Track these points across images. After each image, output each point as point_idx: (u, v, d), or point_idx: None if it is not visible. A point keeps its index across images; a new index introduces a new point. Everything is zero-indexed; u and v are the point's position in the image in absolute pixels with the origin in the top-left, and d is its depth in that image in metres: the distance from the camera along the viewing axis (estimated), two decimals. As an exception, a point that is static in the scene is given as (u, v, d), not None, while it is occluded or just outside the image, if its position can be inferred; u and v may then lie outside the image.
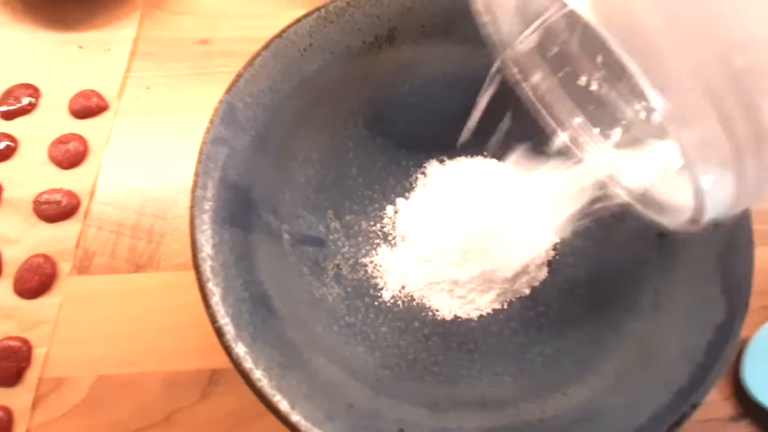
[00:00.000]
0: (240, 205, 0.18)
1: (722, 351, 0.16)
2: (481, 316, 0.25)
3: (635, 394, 0.16)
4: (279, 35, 0.20)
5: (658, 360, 0.16)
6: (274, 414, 0.15)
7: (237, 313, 0.16)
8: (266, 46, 0.19)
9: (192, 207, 0.17)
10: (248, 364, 0.15)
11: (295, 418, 0.14)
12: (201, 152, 0.17)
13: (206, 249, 0.16)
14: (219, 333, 0.15)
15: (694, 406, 0.15)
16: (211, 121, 0.18)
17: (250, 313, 0.16)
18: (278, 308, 0.17)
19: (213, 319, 0.15)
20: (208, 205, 0.17)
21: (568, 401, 0.17)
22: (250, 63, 0.19)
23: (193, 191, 0.17)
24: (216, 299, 0.15)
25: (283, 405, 0.15)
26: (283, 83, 0.20)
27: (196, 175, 0.17)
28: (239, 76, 0.19)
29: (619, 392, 0.16)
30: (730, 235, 0.17)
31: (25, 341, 0.25)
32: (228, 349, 0.15)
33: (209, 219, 0.17)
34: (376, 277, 0.25)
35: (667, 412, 0.15)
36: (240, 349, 0.15)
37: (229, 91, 0.19)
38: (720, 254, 0.17)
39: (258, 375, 0.15)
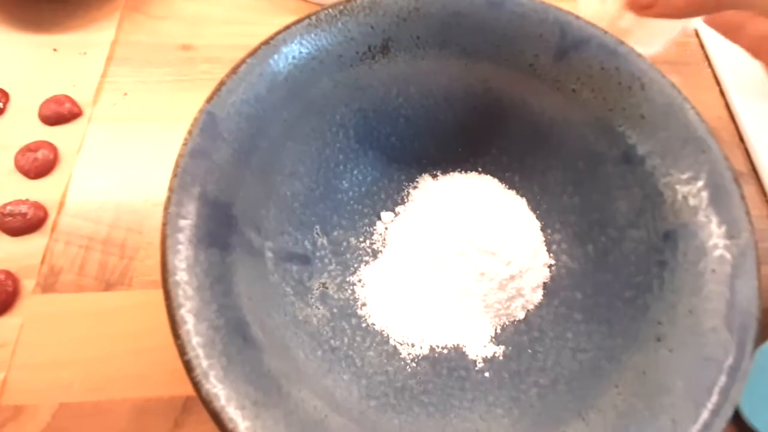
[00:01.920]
0: (219, 223, 0.17)
1: (729, 393, 0.15)
2: (473, 340, 0.23)
3: (640, 434, 0.15)
4: (266, 42, 0.19)
5: (663, 398, 0.15)
6: (248, 459, 0.13)
7: (209, 343, 0.14)
8: (252, 53, 0.18)
9: (164, 225, 0.15)
10: (219, 402, 0.13)
11: (272, 464, 0.13)
12: (177, 165, 0.16)
13: (179, 272, 0.15)
14: (188, 366, 0.14)
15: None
16: (190, 132, 0.17)
17: (224, 343, 0.14)
18: (256, 336, 0.16)
19: (182, 351, 0.14)
20: (183, 223, 0.15)
21: (567, 442, 0.16)
22: (234, 71, 0.18)
23: (167, 208, 0.15)
24: (187, 328, 0.14)
25: (259, 449, 0.13)
26: (270, 93, 0.19)
27: (171, 190, 0.16)
28: (222, 84, 0.18)
29: None
30: (735, 266, 0.17)
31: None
32: (197, 385, 0.13)
33: (184, 238, 0.15)
34: (363, 297, 0.24)
35: (676, 455, 0.14)
36: (210, 386, 0.13)
37: (210, 100, 0.17)
38: (726, 286, 0.16)
39: (230, 415, 0.13)
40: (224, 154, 0.18)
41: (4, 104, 0.30)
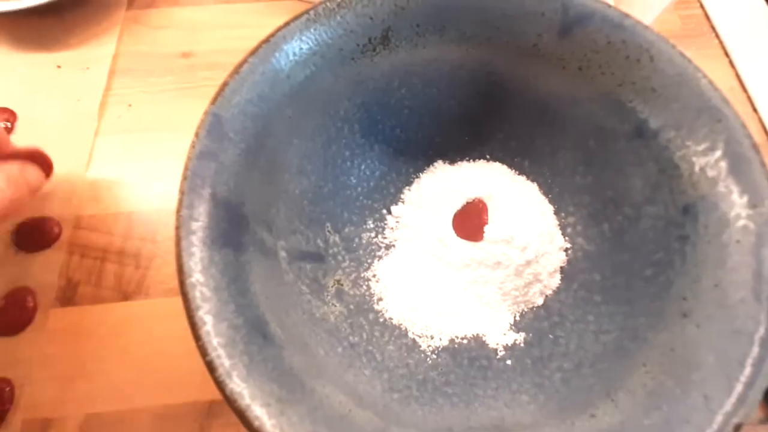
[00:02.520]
0: (231, 223, 0.17)
1: (762, 365, 0.14)
2: (492, 328, 0.23)
3: (672, 413, 0.14)
4: (267, 40, 0.18)
5: (694, 374, 0.15)
6: (276, 456, 0.13)
7: (230, 342, 0.14)
8: (253, 52, 0.18)
9: (177, 228, 0.15)
10: (244, 400, 0.13)
11: (300, 460, 0.13)
12: (186, 168, 0.16)
13: (195, 274, 0.15)
14: (210, 367, 0.14)
15: (738, 427, 0.14)
16: (197, 135, 0.17)
17: (245, 342, 0.14)
18: (276, 334, 0.16)
19: (203, 352, 0.14)
20: (195, 225, 0.15)
21: (596, 425, 0.15)
22: (236, 71, 0.18)
23: (179, 211, 0.15)
24: (207, 329, 0.14)
25: (286, 446, 0.13)
26: (273, 91, 0.19)
27: (182, 192, 0.16)
28: (225, 85, 0.18)
29: (653, 412, 0.15)
30: (760, 235, 0.16)
31: (8, 381, 0.24)
32: (220, 385, 0.13)
33: (198, 240, 0.15)
34: (379, 292, 0.24)
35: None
36: (234, 385, 0.13)
37: (214, 101, 0.17)
38: (752, 256, 0.16)
39: (255, 413, 0.13)
40: (232, 154, 0.18)
41: (12, 123, 0.30)
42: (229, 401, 0.13)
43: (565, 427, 0.15)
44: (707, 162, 0.18)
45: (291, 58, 0.19)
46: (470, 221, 0.24)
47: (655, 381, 0.16)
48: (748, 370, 0.14)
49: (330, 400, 0.15)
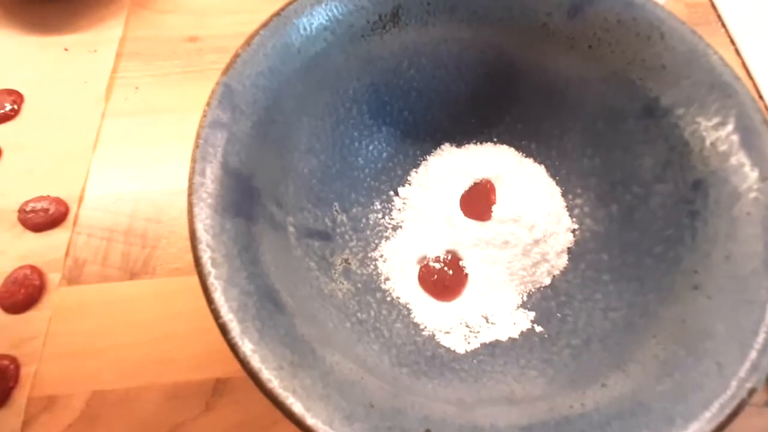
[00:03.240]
0: (242, 194, 0.17)
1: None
2: (499, 308, 0.23)
3: (684, 380, 0.14)
4: (278, 14, 0.18)
5: (706, 343, 0.15)
6: (287, 417, 0.13)
7: (242, 307, 0.14)
8: (265, 25, 0.18)
9: (190, 195, 0.15)
10: (256, 363, 0.13)
11: (311, 421, 0.13)
12: (198, 136, 0.16)
13: (207, 239, 0.15)
14: (223, 330, 0.14)
15: (752, 391, 0.14)
16: (208, 104, 0.17)
17: (257, 308, 0.14)
18: (286, 303, 0.16)
19: (216, 315, 0.14)
20: (207, 193, 0.15)
21: (608, 393, 0.15)
22: (248, 42, 0.18)
23: (191, 178, 0.15)
24: (218, 293, 0.14)
25: (297, 407, 0.13)
26: (284, 65, 0.19)
27: (194, 160, 0.16)
28: (236, 56, 0.18)
29: (665, 379, 0.15)
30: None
31: (13, 359, 0.24)
32: (234, 347, 0.13)
33: (209, 208, 0.15)
34: (386, 272, 0.24)
35: (725, 397, 0.13)
36: (247, 347, 0.13)
37: (226, 72, 0.17)
38: (762, 227, 0.16)
39: (268, 375, 0.13)
40: (243, 126, 0.18)
41: (19, 105, 0.30)
42: (243, 363, 0.13)
43: (576, 396, 0.15)
44: (718, 137, 0.18)
45: (302, 32, 0.19)
46: (478, 201, 0.24)
47: (666, 351, 0.16)
48: (761, 338, 0.14)
49: (341, 366, 0.15)
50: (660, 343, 0.16)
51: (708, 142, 0.18)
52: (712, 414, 0.13)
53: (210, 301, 0.14)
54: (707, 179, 0.18)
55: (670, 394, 0.14)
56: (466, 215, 0.24)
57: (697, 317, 0.16)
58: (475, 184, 0.25)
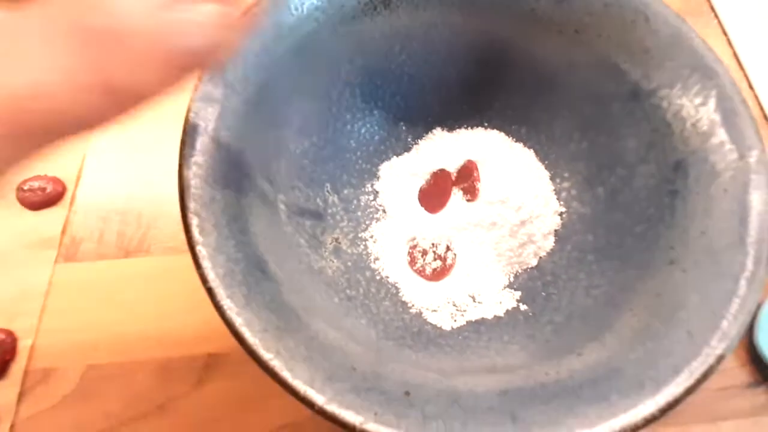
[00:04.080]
0: (232, 167, 0.17)
1: (746, 300, 0.15)
2: (486, 288, 0.24)
3: (656, 348, 0.15)
4: (269, -8, 0.19)
5: (679, 313, 0.15)
6: (270, 377, 0.13)
7: (229, 273, 0.15)
8: (257, 3, 0.18)
9: (181, 166, 0.16)
10: (242, 326, 0.14)
11: (293, 381, 0.13)
12: (189, 110, 0.16)
13: (196, 208, 0.15)
14: (210, 294, 0.14)
15: (721, 358, 0.14)
16: (199, 79, 0.17)
17: (244, 274, 0.15)
18: (274, 272, 0.16)
19: (204, 280, 0.14)
20: (197, 165, 0.16)
21: (583, 361, 0.16)
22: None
23: (182, 150, 0.16)
24: (206, 260, 0.14)
25: (280, 367, 0.13)
26: (276, 44, 0.19)
27: (185, 133, 0.16)
28: (227, 33, 0.18)
29: (637, 347, 0.15)
30: (746, 183, 0.17)
31: (9, 333, 0.24)
32: (220, 310, 0.14)
33: (199, 178, 0.16)
34: (376, 252, 0.24)
35: (694, 363, 0.14)
36: (232, 311, 0.14)
37: (217, 48, 0.18)
38: (738, 203, 0.16)
39: (252, 337, 0.14)
40: (234, 102, 0.18)
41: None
42: (229, 325, 0.14)
43: (552, 365, 0.16)
44: (699, 117, 0.18)
45: (293, 12, 0.20)
46: (463, 182, 0.25)
47: (641, 323, 0.16)
48: (733, 307, 0.14)
49: (326, 334, 0.16)
50: (635, 315, 0.16)
51: (689, 123, 0.19)
52: (682, 379, 0.14)
53: (198, 266, 0.14)
54: (687, 159, 0.18)
55: (642, 360, 0.14)
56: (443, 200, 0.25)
57: (673, 290, 0.16)
58: (460, 167, 0.25)
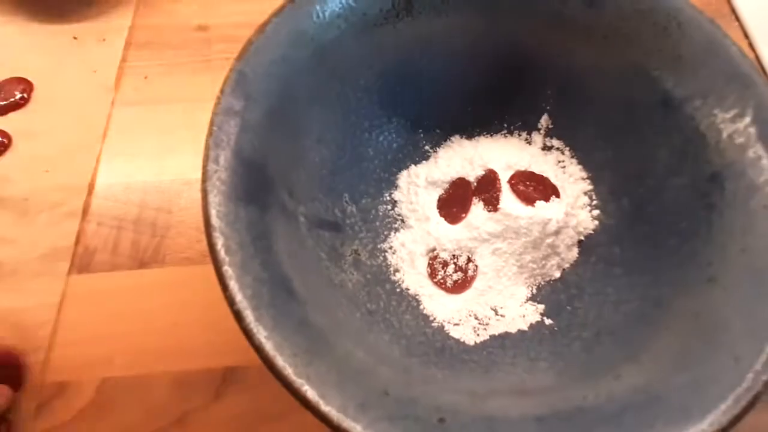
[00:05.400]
0: (256, 182, 0.17)
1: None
2: (509, 300, 0.23)
3: (700, 372, 0.14)
4: (291, 0, 0.18)
5: (722, 336, 0.15)
6: (302, 404, 0.13)
7: (256, 294, 0.14)
8: (278, 12, 0.18)
9: (204, 182, 0.15)
10: (271, 350, 0.13)
11: (326, 408, 0.13)
12: (212, 123, 0.16)
13: (221, 227, 0.15)
14: (238, 317, 0.14)
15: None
16: (222, 91, 0.17)
17: (271, 296, 0.14)
18: (299, 291, 0.16)
19: (231, 302, 0.14)
20: (221, 180, 0.15)
21: (621, 384, 0.15)
22: (261, 30, 0.18)
23: (205, 165, 0.15)
24: (233, 280, 0.14)
25: (312, 394, 0.13)
26: (296, 53, 0.19)
27: (207, 148, 0.16)
28: (250, 43, 0.18)
29: (680, 372, 0.15)
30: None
31: (16, 354, 0.24)
32: (248, 334, 0.13)
33: (223, 195, 0.15)
34: (395, 263, 0.24)
35: (740, 390, 0.13)
36: (261, 334, 0.13)
37: (239, 58, 0.17)
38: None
39: (282, 362, 0.13)
40: (256, 114, 0.17)
41: (29, 94, 0.30)
42: (257, 350, 0.13)
43: (589, 387, 0.15)
44: (735, 129, 0.18)
45: (315, 20, 0.19)
46: (484, 192, 0.24)
47: (680, 344, 0.15)
48: (777, 330, 0.14)
49: (354, 355, 0.15)
50: (674, 335, 0.16)
51: (725, 135, 0.18)
52: (728, 406, 0.13)
53: (224, 287, 0.14)
54: (724, 172, 0.18)
55: (686, 386, 0.14)
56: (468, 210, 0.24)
57: (713, 310, 0.16)
58: (480, 177, 0.25)
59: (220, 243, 0.14)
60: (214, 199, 0.15)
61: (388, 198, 0.26)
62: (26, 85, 0.30)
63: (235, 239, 0.15)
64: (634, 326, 0.18)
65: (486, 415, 0.14)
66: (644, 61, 0.20)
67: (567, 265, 0.24)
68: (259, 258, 0.15)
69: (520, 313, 0.23)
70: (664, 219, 0.20)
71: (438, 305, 0.23)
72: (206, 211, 0.15)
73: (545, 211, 0.23)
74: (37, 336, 0.24)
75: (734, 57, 0.18)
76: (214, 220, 0.15)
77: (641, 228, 0.21)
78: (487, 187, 0.25)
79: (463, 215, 0.24)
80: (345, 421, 0.13)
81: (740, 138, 0.18)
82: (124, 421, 0.22)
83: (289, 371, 0.13)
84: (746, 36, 0.34)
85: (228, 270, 0.14)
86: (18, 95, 0.30)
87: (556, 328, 0.21)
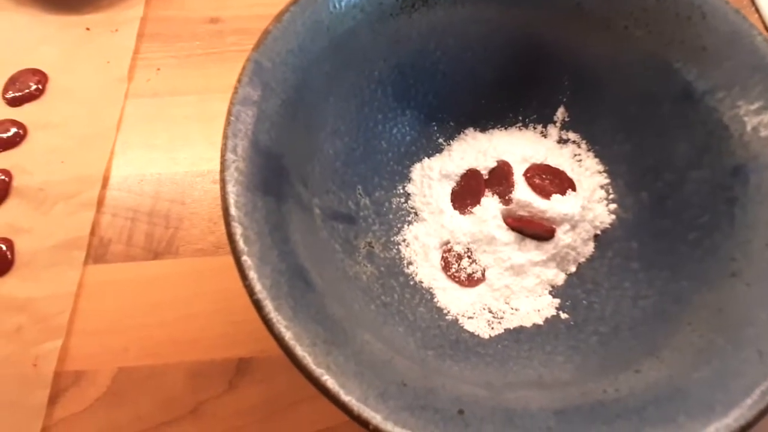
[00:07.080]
0: (273, 172, 0.16)
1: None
2: (524, 294, 0.23)
3: (724, 367, 0.14)
4: (308, -11, 0.18)
5: (746, 330, 0.14)
6: (322, 393, 0.13)
7: (275, 284, 0.14)
8: (295, 1, 0.18)
9: (222, 172, 0.15)
10: (291, 339, 0.13)
11: (346, 397, 0.13)
12: (229, 113, 0.16)
13: (240, 217, 0.15)
14: (258, 306, 0.14)
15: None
16: (239, 81, 0.16)
17: (289, 286, 0.14)
18: (316, 282, 0.16)
19: (251, 292, 0.14)
20: (239, 171, 0.15)
21: (642, 379, 0.15)
22: (278, 19, 0.18)
23: (223, 155, 0.15)
24: (252, 270, 0.14)
25: (332, 383, 0.13)
26: (313, 43, 0.19)
27: (225, 137, 0.16)
28: (267, 32, 0.17)
29: (702, 366, 0.14)
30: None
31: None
32: (268, 323, 0.13)
33: (241, 185, 0.15)
34: (409, 256, 0.24)
35: (767, 384, 0.13)
36: (281, 324, 0.13)
37: (256, 48, 0.17)
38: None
39: (302, 351, 0.13)
40: (272, 104, 0.17)
41: (44, 85, 0.30)
42: (277, 339, 0.13)
43: (609, 381, 0.15)
44: (761, 121, 0.17)
45: (332, 9, 0.19)
46: (497, 185, 0.24)
47: (703, 339, 0.15)
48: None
49: (371, 346, 0.15)
50: (696, 330, 0.16)
51: (749, 127, 0.18)
52: (753, 401, 0.13)
53: (244, 277, 0.14)
54: (748, 165, 0.17)
55: (709, 380, 0.14)
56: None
57: (736, 305, 0.15)
58: (493, 168, 0.25)
59: (239, 233, 0.14)
60: (233, 189, 0.15)
61: (402, 191, 0.25)
62: (41, 77, 0.31)
63: (254, 229, 0.15)
64: (653, 321, 0.18)
65: (505, 408, 0.14)
66: (665, 53, 0.20)
67: (583, 260, 0.23)
68: (276, 248, 0.15)
69: (535, 307, 0.23)
70: (683, 213, 0.20)
71: (452, 298, 0.23)
72: (225, 200, 0.15)
73: (561, 204, 0.23)
74: (55, 325, 0.24)
75: (760, 48, 0.18)
76: (233, 210, 0.15)
77: (660, 222, 0.21)
78: (499, 180, 0.24)
79: (476, 206, 0.24)
80: (365, 411, 0.13)
81: (765, 130, 0.17)
82: (140, 411, 0.23)
83: (308, 360, 0.13)
84: (766, 28, 0.33)
85: (247, 260, 0.14)
86: (33, 86, 0.30)
87: (572, 323, 0.21)
